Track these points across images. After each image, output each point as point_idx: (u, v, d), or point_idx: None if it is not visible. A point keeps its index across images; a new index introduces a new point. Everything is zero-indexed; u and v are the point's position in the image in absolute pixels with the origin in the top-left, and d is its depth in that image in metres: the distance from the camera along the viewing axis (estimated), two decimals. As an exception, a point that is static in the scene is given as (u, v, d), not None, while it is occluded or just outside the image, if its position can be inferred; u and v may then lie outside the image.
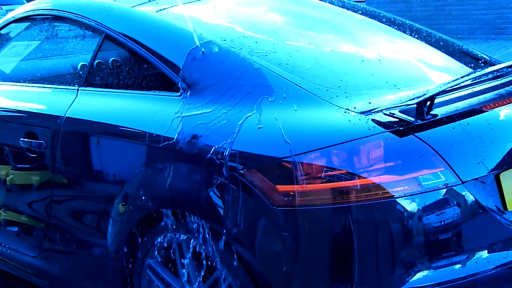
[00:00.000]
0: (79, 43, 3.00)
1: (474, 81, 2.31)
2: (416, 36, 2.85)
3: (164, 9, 2.64)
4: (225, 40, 2.36)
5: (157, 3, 2.72)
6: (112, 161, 2.43)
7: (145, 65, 2.55)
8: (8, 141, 2.91)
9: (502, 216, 2.05)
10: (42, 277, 2.89)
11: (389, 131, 1.95)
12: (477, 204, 2.00)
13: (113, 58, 2.72)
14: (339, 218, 1.90)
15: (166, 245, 2.28)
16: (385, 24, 2.96)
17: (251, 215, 2.00)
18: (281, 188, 1.94)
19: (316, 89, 2.12)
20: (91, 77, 2.72)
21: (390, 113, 2.01)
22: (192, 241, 2.18)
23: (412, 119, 1.99)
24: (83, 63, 2.90)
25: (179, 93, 2.30)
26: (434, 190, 1.93)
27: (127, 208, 2.35)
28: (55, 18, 3.00)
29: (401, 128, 1.97)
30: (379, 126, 1.96)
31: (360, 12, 3.02)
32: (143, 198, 2.28)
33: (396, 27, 2.95)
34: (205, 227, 2.12)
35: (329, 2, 3.12)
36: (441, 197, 1.95)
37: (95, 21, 2.69)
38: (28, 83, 3.02)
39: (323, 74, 2.27)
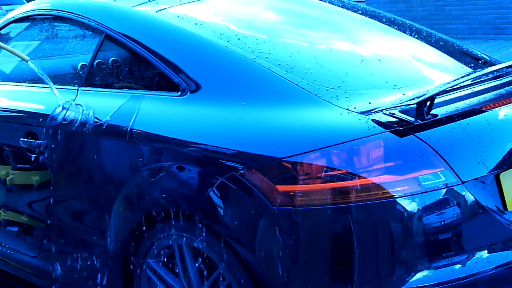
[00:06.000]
0: (79, 43, 3.00)
1: (474, 81, 2.31)
2: (416, 36, 2.85)
3: (164, 9, 2.64)
4: (227, 40, 2.36)
5: (157, 3, 2.72)
6: (112, 161, 2.43)
7: (145, 65, 2.55)
8: (8, 141, 2.91)
9: (502, 216, 2.05)
10: (42, 277, 2.89)
11: (389, 131, 1.95)
12: (477, 204, 2.00)
13: (113, 58, 2.72)
14: (339, 218, 1.90)
15: (166, 245, 2.28)
16: (385, 24, 2.97)
17: (251, 215, 2.00)
18: (281, 188, 1.94)
19: (316, 89, 2.12)
20: (91, 77, 2.72)
21: (390, 113, 2.01)
22: (192, 241, 2.18)
23: (412, 119, 1.99)
24: (83, 63, 2.90)
25: (179, 93, 2.30)
26: (434, 190, 1.93)
27: (127, 208, 2.35)
28: (55, 18, 3.00)
29: (401, 128, 1.97)
30: (379, 126, 1.96)
31: (360, 12, 3.02)
32: (143, 198, 2.28)
33: (396, 27, 2.95)
34: (205, 227, 2.12)
35: (329, 2, 3.13)
36: (441, 197, 1.95)
37: (95, 21, 2.69)
38: (28, 83, 3.02)
39: (323, 74, 2.27)
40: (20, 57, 2.79)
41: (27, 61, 2.75)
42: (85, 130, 2.51)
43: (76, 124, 2.54)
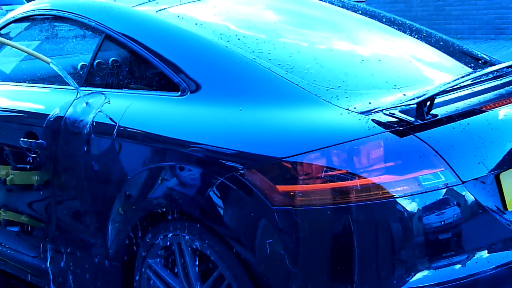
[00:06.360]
0: (79, 43, 3.00)
1: (474, 81, 2.31)
2: (416, 36, 2.85)
3: (164, 9, 2.64)
4: (227, 40, 2.36)
5: (157, 3, 2.72)
6: (112, 161, 2.43)
7: (145, 65, 2.55)
8: (8, 141, 2.91)
9: (502, 216, 2.05)
10: (42, 277, 2.89)
11: (389, 131, 1.95)
12: (477, 204, 2.00)
13: (113, 58, 2.72)
14: (339, 218, 1.90)
15: (166, 245, 2.28)
16: (385, 24, 2.97)
17: (251, 215, 2.00)
18: (281, 188, 1.94)
19: (316, 89, 2.12)
20: (91, 77, 2.72)
21: (390, 113, 2.01)
22: (192, 241, 2.18)
23: (412, 119, 1.99)
24: (83, 63, 2.90)
25: (179, 93, 2.30)
26: (434, 190, 1.93)
27: (127, 208, 2.35)
28: (55, 18, 3.00)
29: (401, 128, 1.97)
30: (379, 126, 1.96)
31: (360, 12, 3.02)
32: (143, 198, 2.28)
33: (396, 27, 2.95)
34: (205, 227, 2.12)
35: (329, 2, 3.13)
36: (441, 197, 1.95)
37: (95, 21, 2.69)
38: (28, 83, 3.02)
39: (323, 74, 2.27)
40: (41, 60, 2.81)
41: (49, 63, 2.76)
42: (84, 130, 2.51)
43: (76, 125, 2.54)
